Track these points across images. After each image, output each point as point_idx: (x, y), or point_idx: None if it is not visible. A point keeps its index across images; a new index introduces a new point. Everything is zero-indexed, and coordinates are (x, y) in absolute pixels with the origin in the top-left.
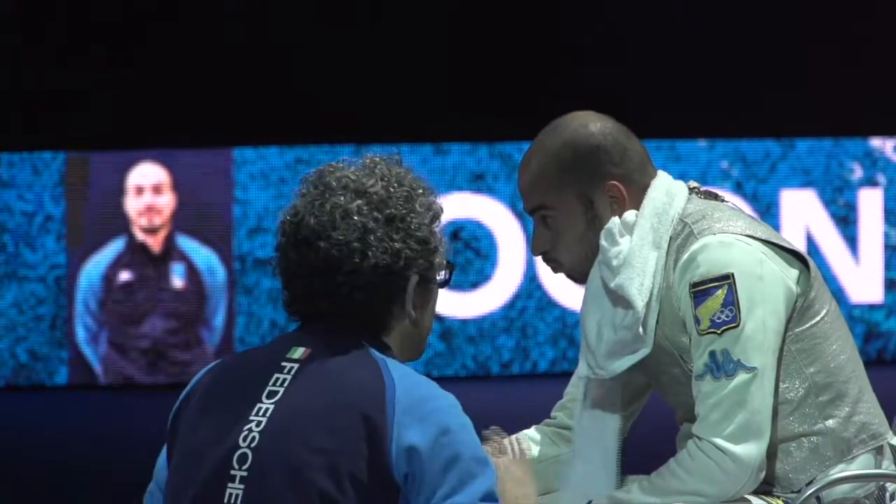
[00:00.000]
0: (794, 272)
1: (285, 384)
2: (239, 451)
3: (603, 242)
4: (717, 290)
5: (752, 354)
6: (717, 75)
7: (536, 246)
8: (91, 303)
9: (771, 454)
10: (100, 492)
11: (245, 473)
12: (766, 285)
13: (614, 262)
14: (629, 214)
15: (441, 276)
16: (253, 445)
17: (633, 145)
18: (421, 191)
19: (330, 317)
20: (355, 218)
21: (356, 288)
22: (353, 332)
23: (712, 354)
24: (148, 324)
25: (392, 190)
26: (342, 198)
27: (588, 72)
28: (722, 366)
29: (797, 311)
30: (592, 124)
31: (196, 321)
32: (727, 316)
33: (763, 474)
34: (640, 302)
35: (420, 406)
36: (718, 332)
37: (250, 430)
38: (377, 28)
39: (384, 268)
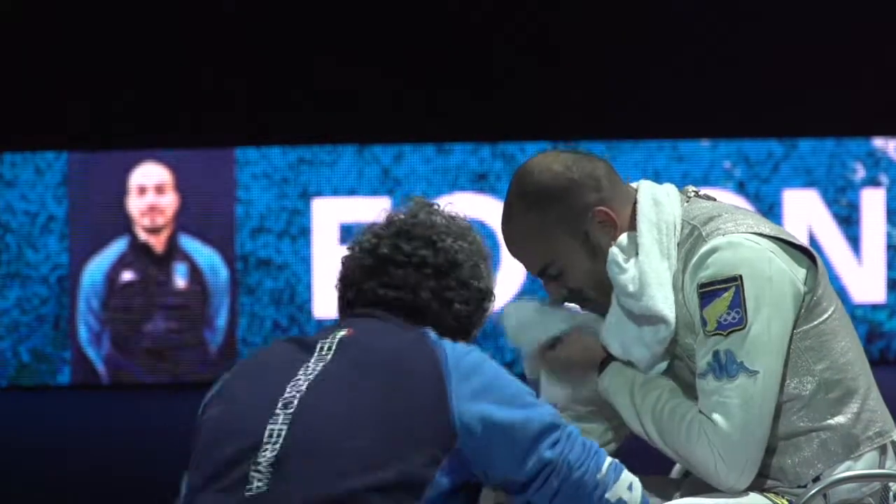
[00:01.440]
0: (803, 270)
1: (332, 348)
2: (285, 397)
3: (612, 275)
4: (724, 291)
5: (756, 357)
6: (720, 76)
7: (552, 295)
8: (94, 303)
9: (780, 449)
10: (102, 491)
11: (290, 412)
12: (774, 286)
13: (631, 288)
14: (623, 238)
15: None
16: (301, 392)
17: (598, 165)
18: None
19: (392, 311)
20: (466, 244)
21: (464, 290)
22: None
23: (716, 354)
24: (150, 324)
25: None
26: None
27: (589, 72)
28: (725, 366)
29: (805, 309)
30: (554, 164)
31: (198, 321)
32: (733, 318)
33: (754, 474)
34: (671, 314)
35: (466, 359)
36: (724, 333)
37: (297, 381)
38: (378, 28)
39: (482, 292)
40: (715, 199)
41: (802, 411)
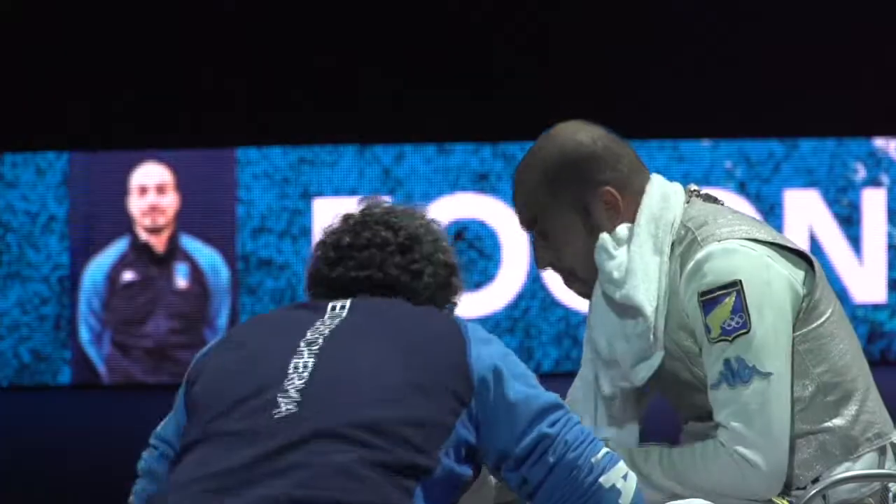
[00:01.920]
0: (801, 273)
1: (346, 307)
2: (306, 339)
3: (598, 260)
4: (725, 297)
5: (766, 360)
6: (721, 75)
7: (540, 260)
8: (94, 303)
9: None
10: (102, 491)
11: (315, 349)
12: (773, 289)
13: (616, 275)
14: (621, 229)
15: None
16: (324, 335)
17: (625, 150)
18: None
19: (367, 291)
20: (425, 222)
21: (429, 265)
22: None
23: (727, 362)
24: (151, 324)
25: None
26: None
27: (591, 72)
28: (737, 373)
29: (803, 312)
30: (582, 133)
31: (199, 321)
32: (737, 323)
33: (784, 477)
34: (649, 308)
35: (481, 331)
36: (730, 339)
37: (317, 328)
38: (379, 28)
39: (448, 266)
40: (716, 199)
41: (801, 414)
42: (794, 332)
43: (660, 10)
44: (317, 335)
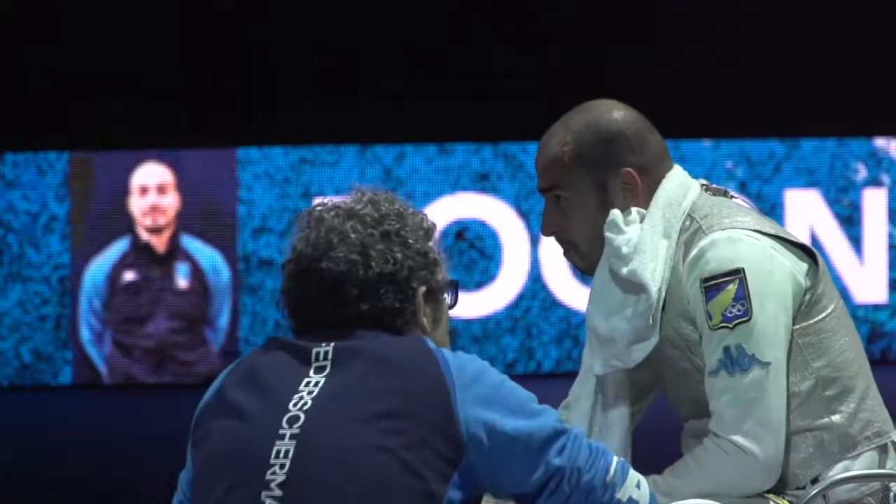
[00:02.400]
0: (804, 266)
1: (329, 356)
2: (289, 415)
3: (608, 234)
4: (728, 284)
5: (765, 349)
6: (722, 75)
7: (546, 225)
8: (95, 303)
9: None
10: (103, 491)
11: (297, 431)
12: (776, 280)
13: (624, 250)
14: (634, 210)
15: (449, 294)
16: (305, 409)
17: (655, 138)
18: (410, 210)
19: (358, 323)
20: (352, 236)
21: (366, 297)
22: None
23: (726, 350)
24: (152, 324)
25: (383, 209)
26: (335, 221)
27: (592, 72)
28: (737, 361)
29: (805, 305)
30: (617, 111)
31: (200, 321)
32: (739, 310)
33: (780, 468)
34: (653, 287)
35: (468, 367)
36: (731, 326)
37: (301, 397)
38: (380, 28)
39: (389, 275)
40: (727, 193)
41: (800, 409)
42: (795, 324)
43: (660, 10)
44: (299, 411)
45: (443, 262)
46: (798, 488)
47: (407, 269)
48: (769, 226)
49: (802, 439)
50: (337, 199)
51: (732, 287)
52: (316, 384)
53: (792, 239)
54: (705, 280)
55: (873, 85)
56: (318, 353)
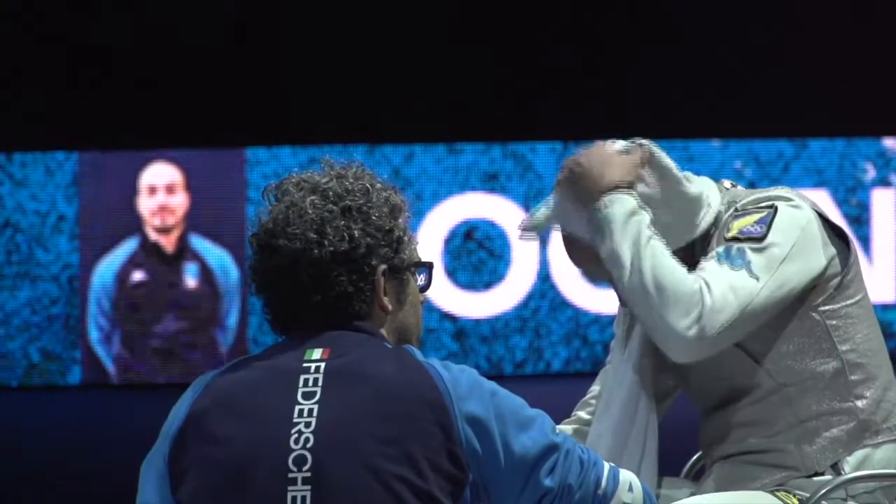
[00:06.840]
0: (832, 250)
1: (319, 383)
2: (294, 454)
3: (671, 172)
4: (756, 212)
5: (763, 270)
6: (731, 75)
7: (558, 187)
8: (104, 303)
9: (796, 434)
10: (111, 491)
11: (308, 474)
12: (805, 234)
13: (693, 190)
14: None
15: (421, 276)
16: (309, 446)
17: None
18: (379, 185)
19: (313, 316)
20: (310, 212)
21: (318, 284)
22: (349, 327)
23: (728, 247)
24: (161, 324)
25: (348, 185)
26: (297, 196)
27: (602, 73)
28: (732, 257)
29: (834, 289)
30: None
31: (209, 321)
32: (756, 230)
33: (707, 351)
34: (713, 208)
35: (461, 380)
36: (742, 238)
37: (300, 431)
38: (390, 28)
39: (343, 254)
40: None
41: (825, 391)
42: (823, 306)
43: (671, 11)
44: (303, 449)
45: (411, 240)
46: (817, 473)
47: (365, 246)
48: (811, 203)
49: (824, 424)
50: (307, 173)
51: (760, 214)
52: (310, 413)
53: (831, 221)
54: (737, 210)
55: (882, 85)
56: (306, 379)
